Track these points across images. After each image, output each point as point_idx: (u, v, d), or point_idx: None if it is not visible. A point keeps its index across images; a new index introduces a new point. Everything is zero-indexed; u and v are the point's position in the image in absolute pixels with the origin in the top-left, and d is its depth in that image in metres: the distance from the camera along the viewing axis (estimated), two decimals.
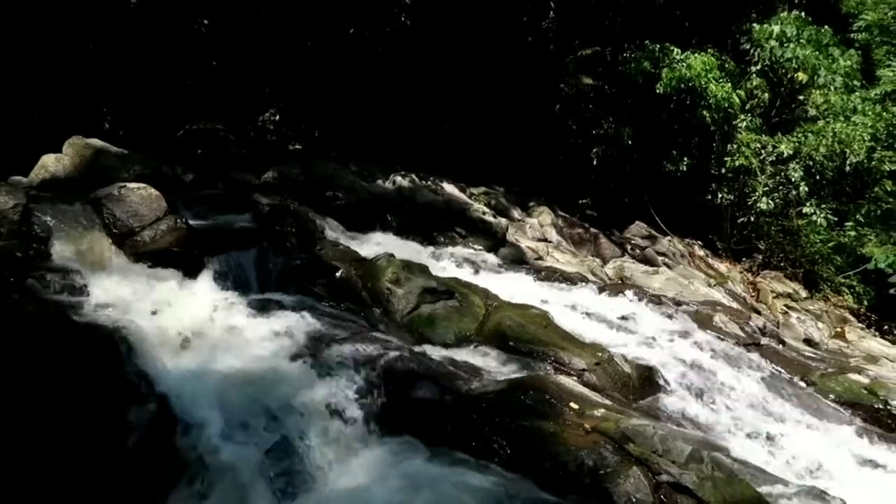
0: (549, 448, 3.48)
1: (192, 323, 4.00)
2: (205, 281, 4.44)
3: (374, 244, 6.51)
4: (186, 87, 9.40)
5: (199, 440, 3.05)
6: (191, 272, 4.48)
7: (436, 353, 4.57)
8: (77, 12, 8.41)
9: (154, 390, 3.21)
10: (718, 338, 6.13)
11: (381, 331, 4.76)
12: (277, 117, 10.72)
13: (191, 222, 5.11)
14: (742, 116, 11.38)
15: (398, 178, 8.92)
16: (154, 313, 3.95)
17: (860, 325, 10.48)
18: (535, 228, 9.65)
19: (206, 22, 9.99)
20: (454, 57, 11.49)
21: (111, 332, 3.46)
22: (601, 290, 6.79)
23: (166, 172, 6.48)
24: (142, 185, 5.01)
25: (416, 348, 4.56)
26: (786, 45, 10.98)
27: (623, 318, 6.07)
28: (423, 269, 5.48)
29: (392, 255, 5.49)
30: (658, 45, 11.51)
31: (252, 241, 5.27)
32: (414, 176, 9.10)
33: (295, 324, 4.19)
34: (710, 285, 9.23)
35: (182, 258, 4.57)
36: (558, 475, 3.35)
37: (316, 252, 5.55)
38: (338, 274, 5.25)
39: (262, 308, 4.41)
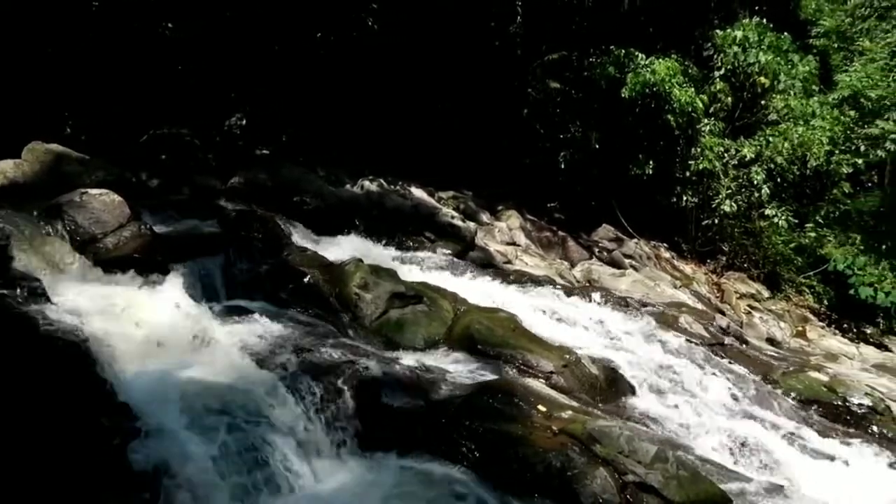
0: (516, 450, 3.51)
1: (156, 330, 3.94)
2: (170, 288, 4.36)
3: (343, 249, 6.48)
4: (151, 92, 9.27)
5: (162, 449, 3.00)
6: (155, 279, 4.41)
7: (405, 357, 4.59)
8: (37, 16, 8.26)
9: (117, 398, 3.17)
10: (684, 338, 6.23)
11: (349, 336, 4.75)
12: (244, 122, 10.65)
13: (155, 228, 5.06)
14: (705, 120, 11.53)
15: (366, 183, 8.90)
16: (117, 321, 3.88)
17: (820, 323, 10.75)
18: (504, 232, 9.70)
19: (170, 25, 9.88)
20: (422, 61, 11.52)
21: (73, 340, 3.40)
22: (569, 292, 6.86)
23: (130, 178, 6.39)
24: (104, 190, 4.95)
25: (385, 353, 4.57)
26: (748, 49, 11.19)
27: (590, 320, 6.14)
28: (391, 274, 5.48)
29: (360, 260, 5.48)
30: (623, 51, 11.62)
31: (218, 248, 5.21)
32: (382, 180, 9.09)
33: (262, 330, 4.16)
34: (675, 287, 9.37)
35: (146, 265, 4.50)
36: (526, 477, 3.39)
37: (283, 258, 5.51)
38: (305, 279, 5.22)
39: (229, 315, 4.37)
